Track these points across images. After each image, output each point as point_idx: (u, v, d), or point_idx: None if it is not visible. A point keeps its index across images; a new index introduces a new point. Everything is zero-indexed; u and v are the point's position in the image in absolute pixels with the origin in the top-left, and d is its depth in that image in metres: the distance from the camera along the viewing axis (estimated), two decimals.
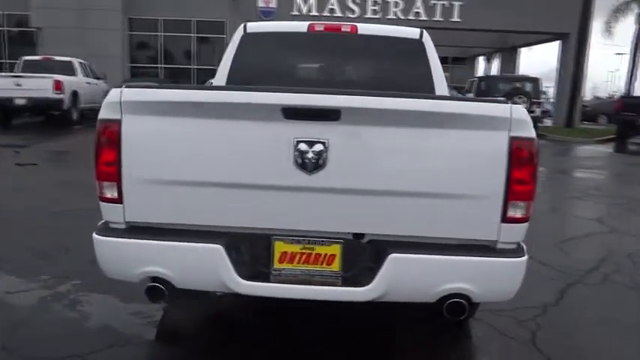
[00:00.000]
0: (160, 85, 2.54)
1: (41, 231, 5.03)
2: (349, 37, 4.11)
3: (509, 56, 30.90)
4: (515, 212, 2.30)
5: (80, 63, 16.48)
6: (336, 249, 2.39)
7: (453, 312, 2.35)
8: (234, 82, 3.96)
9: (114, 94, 2.29)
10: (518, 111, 2.23)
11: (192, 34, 23.74)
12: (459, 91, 19.35)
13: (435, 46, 4.13)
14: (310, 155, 2.22)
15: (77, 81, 15.60)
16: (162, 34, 23.71)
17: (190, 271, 2.36)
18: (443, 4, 22.55)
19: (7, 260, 4.17)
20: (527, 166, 2.26)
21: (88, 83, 16.34)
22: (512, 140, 2.23)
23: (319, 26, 4.10)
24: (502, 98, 2.87)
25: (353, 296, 2.35)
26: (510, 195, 2.27)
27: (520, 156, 2.24)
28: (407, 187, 2.28)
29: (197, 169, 2.30)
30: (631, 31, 28.70)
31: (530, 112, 2.67)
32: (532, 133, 2.27)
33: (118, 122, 2.28)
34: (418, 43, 4.08)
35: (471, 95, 18.59)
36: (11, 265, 4.08)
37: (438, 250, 2.31)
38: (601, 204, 7.71)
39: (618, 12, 28.49)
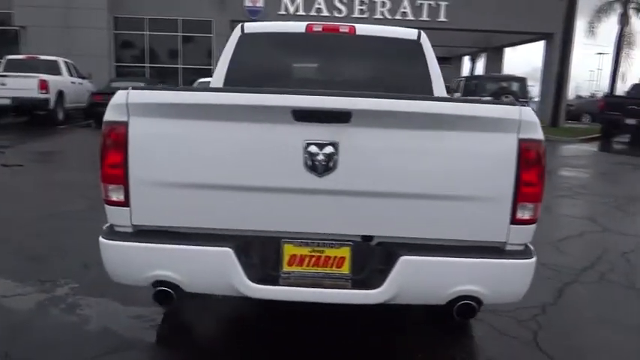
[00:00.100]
0: (167, 87, 2.51)
1: (32, 233, 4.94)
2: (347, 37, 4.10)
3: (495, 56, 31.15)
4: (524, 214, 2.31)
5: (65, 62, 16.29)
6: (345, 251, 2.38)
7: (463, 314, 2.36)
8: (232, 82, 3.94)
9: (120, 96, 2.26)
10: (527, 113, 2.24)
11: (178, 33, 23.53)
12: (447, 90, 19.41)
13: None
14: (321, 157, 2.21)
15: (63, 80, 15.44)
16: (149, 33, 23.47)
17: (200, 275, 2.34)
18: (429, 4, 22.68)
19: None
20: (535, 168, 2.27)
21: (73, 83, 16.16)
22: (522, 142, 2.24)
23: (317, 27, 4.09)
24: (511, 99, 2.88)
25: (364, 299, 2.34)
26: (519, 197, 2.28)
27: (529, 158, 2.26)
28: (417, 190, 2.28)
29: (205, 171, 2.28)
30: (613, 31, 29.12)
31: None
32: (540, 135, 2.28)
33: (125, 124, 2.25)
34: (416, 44, 4.09)
35: (457, 95, 18.70)
36: (4, 268, 4.00)
37: (448, 252, 2.31)
38: (590, 203, 7.79)
39: (601, 12, 28.87)
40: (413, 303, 2.41)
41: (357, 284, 2.38)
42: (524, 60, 42.65)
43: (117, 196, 2.32)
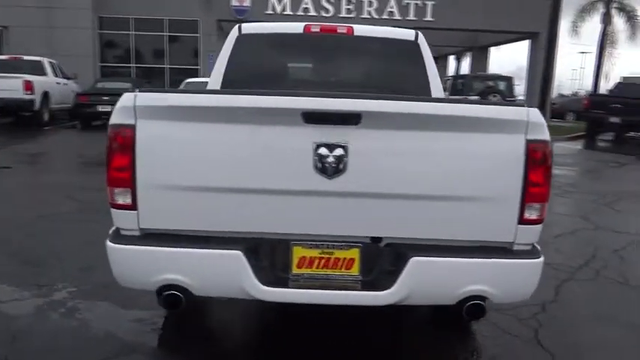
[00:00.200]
0: (174, 89, 2.48)
1: (26, 236, 4.88)
2: (345, 38, 4.09)
3: (480, 55, 31.35)
4: (532, 214, 2.32)
5: (50, 63, 16.07)
6: (354, 253, 2.38)
7: (473, 314, 2.37)
8: (230, 83, 3.91)
9: (127, 98, 2.23)
10: (535, 114, 2.26)
11: (164, 33, 23.34)
12: None
13: None
14: (330, 159, 2.21)
15: (48, 81, 15.23)
16: (134, 32, 23.25)
17: (210, 278, 2.32)
18: (416, 4, 22.76)
19: None
20: (543, 168, 2.29)
21: (58, 83, 15.94)
22: (529, 143, 2.26)
23: (315, 27, 4.08)
24: (520, 100, 2.90)
25: (374, 300, 2.34)
26: (527, 197, 2.29)
27: (536, 158, 2.27)
28: (426, 191, 2.29)
29: (214, 174, 2.26)
30: (596, 31, 29.46)
31: None
32: (547, 136, 2.30)
33: (132, 127, 2.22)
34: (413, 45, 4.11)
35: (446, 94, 18.81)
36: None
37: (457, 253, 2.32)
38: (580, 200, 7.87)
39: (584, 12, 29.20)
40: (423, 304, 2.42)
41: (367, 286, 2.37)
42: (509, 59, 43.11)
43: (123, 199, 2.29)
